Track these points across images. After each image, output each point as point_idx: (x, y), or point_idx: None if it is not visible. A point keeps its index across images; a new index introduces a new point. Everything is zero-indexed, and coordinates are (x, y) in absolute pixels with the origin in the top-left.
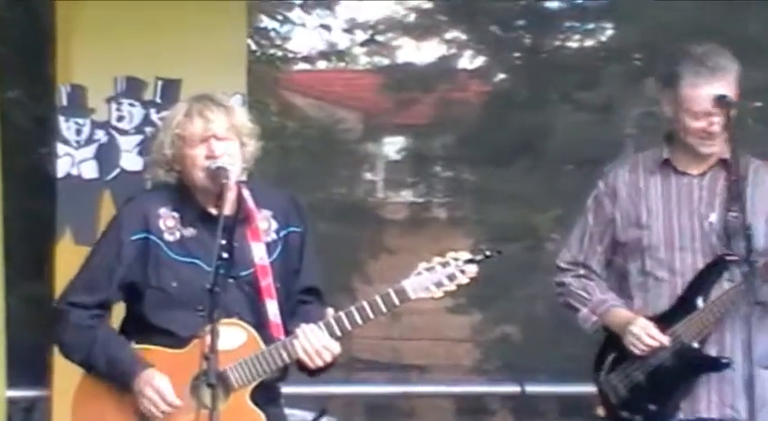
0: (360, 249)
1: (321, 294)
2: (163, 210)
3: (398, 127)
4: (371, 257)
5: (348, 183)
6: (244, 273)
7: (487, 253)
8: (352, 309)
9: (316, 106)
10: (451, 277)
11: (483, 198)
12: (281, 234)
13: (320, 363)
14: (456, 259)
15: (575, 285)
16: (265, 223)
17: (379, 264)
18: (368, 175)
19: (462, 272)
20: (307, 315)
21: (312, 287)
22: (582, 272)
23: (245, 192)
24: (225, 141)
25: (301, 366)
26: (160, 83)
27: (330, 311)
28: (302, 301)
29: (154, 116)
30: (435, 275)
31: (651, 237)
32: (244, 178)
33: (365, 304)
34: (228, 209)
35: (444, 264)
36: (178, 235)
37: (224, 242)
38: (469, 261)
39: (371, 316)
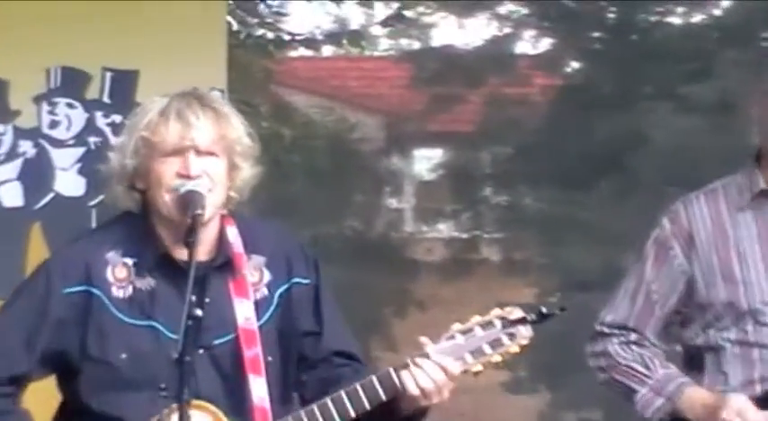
0: (381, 303)
1: (359, 359)
2: (111, 255)
3: (434, 135)
4: (397, 314)
5: (365, 213)
6: (220, 341)
7: (545, 310)
8: (340, 394)
9: (322, 107)
10: (496, 343)
11: (551, 232)
12: (279, 289)
13: (433, 402)
14: (502, 318)
15: (625, 356)
16: (256, 274)
17: (407, 324)
18: (392, 202)
19: (511, 336)
20: (341, 379)
21: (344, 352)
22: (633, 337)
23: (230, 231)
24: (208, 158)
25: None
26: (109, 75)
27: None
28: (333, 365)
29: (101, 121)
30: (474, 341)
31: (752, 296)
32: (226, 210)
33: (358, 388)
34: (204, 252)
35: (486, 325)
36: (131, 289)
37: (195, 298)
38: (521, 321)
39: (365, 405)
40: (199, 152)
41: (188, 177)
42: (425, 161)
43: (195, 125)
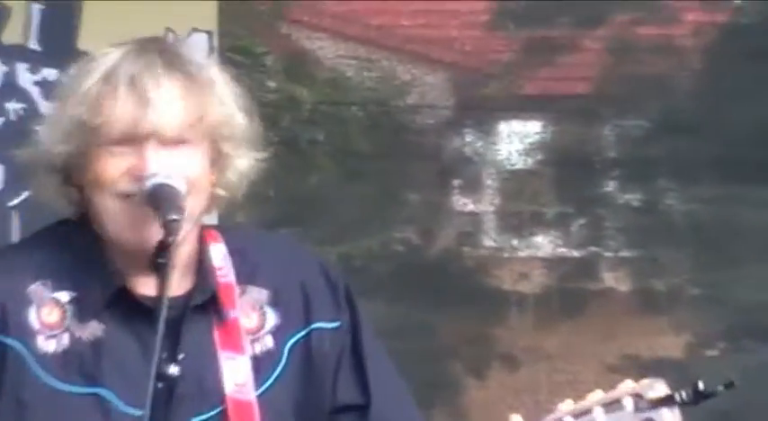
0: (448, 356)
1: None
2: (36, 289)
3: (529, 101)
4: (472, 373)
5: (423, 220)
6: (200, 419)
7: (702, 387)
8: None
9: (357, 59)
10: None
11: (709, 247)
12: (291, 339)
13: None
14: (636, 396)
15: None
16: (254, 316)
17: (488, 389)
18: (464, 203)
19: None
20: None
21: None
22: None
23: (216, 250)
24: (177, 148)
25: None
26: (37, 9)
27: None
28: None
29: (24, 78)
30: None
31: None
32: (209, 220)
33: None
34: (176, 284)
35: (611, 407)
36: (66, 339)
37: (165, 354)
38: (665, 401)
39: None
40: (163, 141)
41: (143, 177)
42: (516, 140)
43: (156, 101)
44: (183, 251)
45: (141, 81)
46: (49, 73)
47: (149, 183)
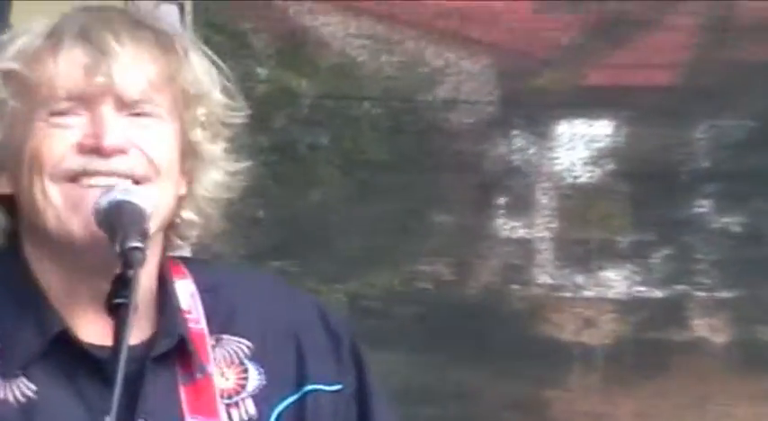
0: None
1: None
2: None
3: (597, 95)
4: None
5: (460, 248)
6: None
7: None
8: None
9: (374, 40)
10: None
11: None
12: (280, 403)
13: None
14: None
15: None
16: (231, 373)
17: None
18: (513, 227)
19: None
20: None
21: None
22: None
23: (182, 288)
24: (140, 119)
25: None
26: None
27: None
28: None
29: None
30: None
31: None
32: (180, 249)
33: None
34: (134, 329)
35: None
36: None
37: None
38: None
39: None
40: (122, 105)
41: (97, 151)
42: (579, 145)
43: (115, 52)
44: (140, 288)
45: (95, 32)
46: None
47: (104, 201)
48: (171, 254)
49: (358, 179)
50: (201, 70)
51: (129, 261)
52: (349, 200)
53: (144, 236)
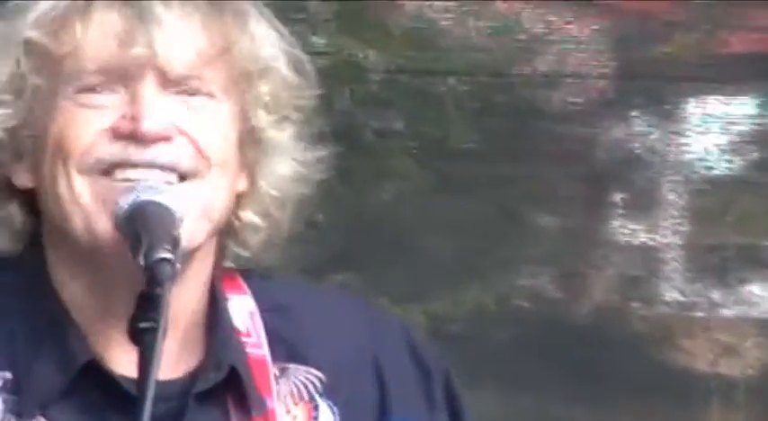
0: None
1: None
2: None
3: (735, 67)
4: None
5: (565, 256)
6: None
7: None
8: None
9: (460, 2)
10: None
11: None
12: None
13: None
14: None
15: None
16: (299, 411)
17: None
18: (632, 230)
19: None
20: None
21: None
22: None
23: (238, 305)
24: (190, 99)
25: None
26: None
27: None
28: None
29: None
30: None
31: None
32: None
33: None
34: (176, 359)
35: None
36: None
37: None
38: None
39: None
40: (167, 81)
41: (135, 137)
42: (715, 128)
43: (159, 17)
44: (183, 307)
45: None
46: None
47: (124, 203)
48: (227, 264)
49: (439, 172)
50: (265, 40)
51: (156, 276)
52: (428, 198)
53: (174, 244)
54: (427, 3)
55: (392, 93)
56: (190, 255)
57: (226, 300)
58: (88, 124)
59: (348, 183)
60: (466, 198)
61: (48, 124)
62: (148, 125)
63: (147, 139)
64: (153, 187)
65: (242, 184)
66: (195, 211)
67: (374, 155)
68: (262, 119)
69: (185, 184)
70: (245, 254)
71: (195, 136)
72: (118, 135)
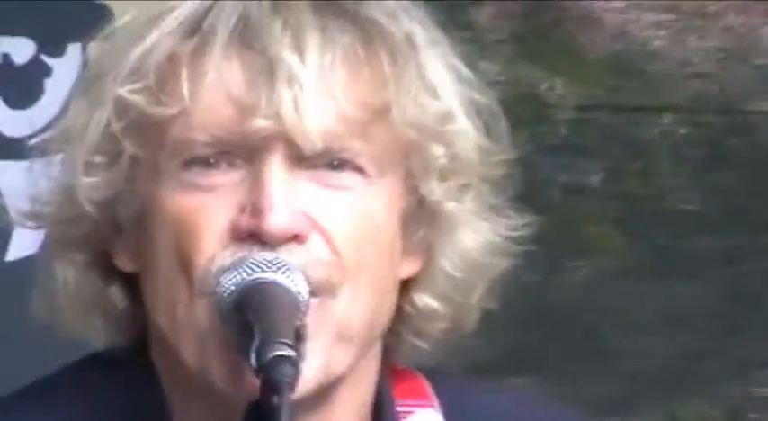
0: None
1: None
2: None
3: None
4: None
5: None
6: None
7: None
8: None
9: (681, 17)
10: None
11: None
12: None
13: None
14: None
15: None
16: None
17: None
18: None
19: None
20: None
21: None
22: None
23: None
24: (333, 175)
25: None
26: None
27: None
28: None
29: None
30: None
31: None
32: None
33: None
34: None
35: None
36: None
37: None
38: None
39: None
40: (300, 158)
41: (256, 238)
42: None
43: (293, 73)
44: (337, 415)
45: (260, 29)
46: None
47: (228, 284)
48: (396, 363)
49: (651, 243)
50: (438, 87)
51: (272, 380)
52: (635, 279)
53: (297, 337)
54: (633, 17)
55: (586, 136)
56: (337, 381)
57: (395, 413)
58: (207, 228)
59: (528, 258)
60: (686, 279)
61: (151, 209)
62: (276, 221)
63: (273, 240)
64: (266, 261)
65: (409, 269)
66: (327, 334)
67: (563, 220)
68: (435, 190)
69: (314, 301)
70: (422, 344)
71: (333, 233)
72: (238, 235)
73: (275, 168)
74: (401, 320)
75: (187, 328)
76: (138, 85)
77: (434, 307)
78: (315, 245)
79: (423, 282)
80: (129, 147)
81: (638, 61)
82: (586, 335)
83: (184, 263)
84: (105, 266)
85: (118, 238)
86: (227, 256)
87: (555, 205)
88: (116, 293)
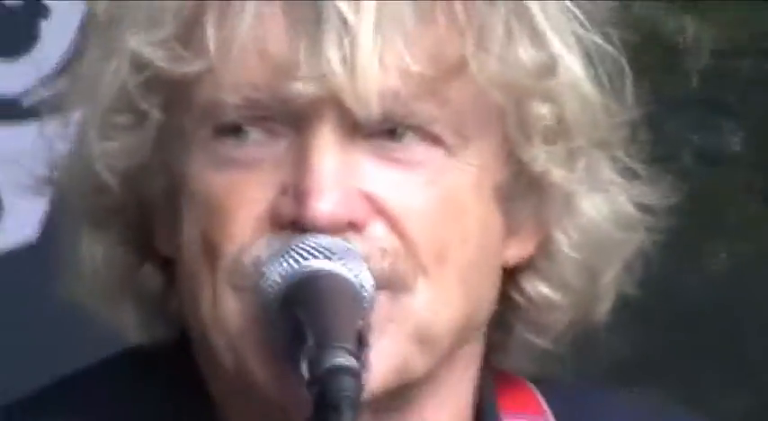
0: None
1: None
2: None
3: None
4: None
5: None
6: None
7: None
8: None
9: None
10: None
11: None
12: None
13: None
14: None
15: None
16: None
17: None
18: None
19: None
20: None
21: None
22: None
23: None
24: (399, 148)
25: None
26: None
27: None
28: None
29: None
30: None
31: None
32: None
33: None
34: None
35: None
36: None
37: None
38: None
39: None
40: (356, 126)
41: (300, 227)
42: None
43: (346, 23)
44: None
45: None
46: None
47: (274, 274)
48: (501, 365)
49: None
50: (549, 30)
51: (330, 396)
52: None
53: (359, 342)
54: None
55: (726, 89)
56: (415, 386)
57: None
58: (240, 212)
59: (660, 241)
60: None
61: (180, 186)
62: (324, 207)
63: (322, 230)
64: (322, 247)
65: (518, 252)
66: (401, 333)
67: (696, 194)
68: (539, 156)
69: (382, 296)
70: (540, 342)
71: (401, 218)
72: (277, 223)
73: (323, 141)
74: (512, 313)
75: (215, 328)
76: (155, 36)
77: (551, 296)
78: (376, 232)
79: (536, 268)
80: (150, 108)
81: None
82: (726, 337)
83: (211, 251)
84: (141, 244)
85: (154, 214)
86: (262, 246)
87: (686, 175)
88: (150, 274)
